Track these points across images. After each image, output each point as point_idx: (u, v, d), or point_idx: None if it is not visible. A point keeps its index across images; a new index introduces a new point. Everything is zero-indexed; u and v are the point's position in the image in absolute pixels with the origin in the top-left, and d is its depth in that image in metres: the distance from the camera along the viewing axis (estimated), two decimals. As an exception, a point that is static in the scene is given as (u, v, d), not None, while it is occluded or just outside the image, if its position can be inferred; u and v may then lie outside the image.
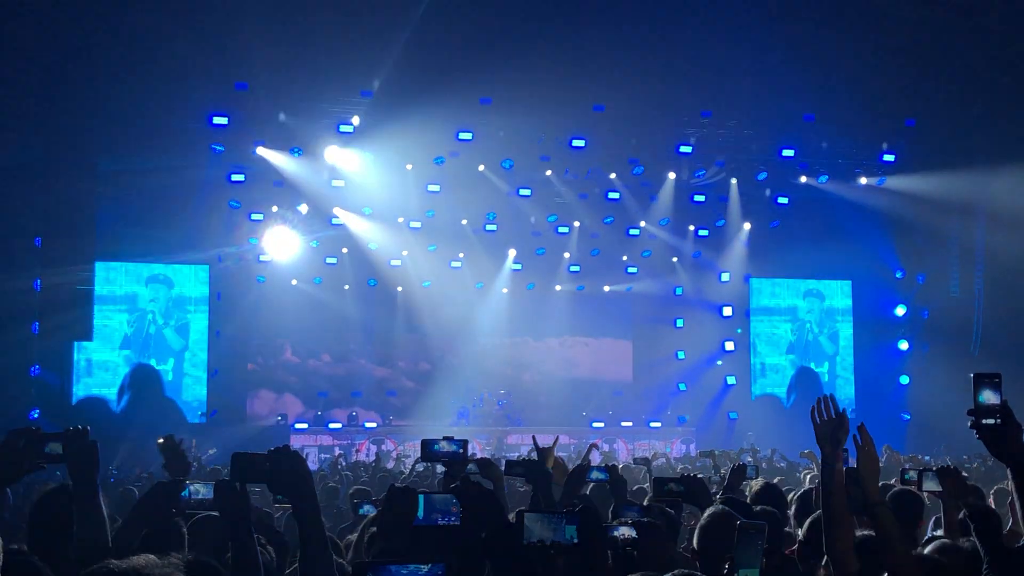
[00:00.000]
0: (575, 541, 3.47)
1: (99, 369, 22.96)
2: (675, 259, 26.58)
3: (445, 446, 5.30)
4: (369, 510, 7.80)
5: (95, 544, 3.68)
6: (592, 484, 6.94)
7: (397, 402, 25.62)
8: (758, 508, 5.62)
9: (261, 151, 22.08)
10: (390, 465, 18.74)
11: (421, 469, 12.95)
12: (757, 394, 26.92)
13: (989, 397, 3.46)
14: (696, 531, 4.67)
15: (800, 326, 27.45)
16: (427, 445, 5.35)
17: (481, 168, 23.11)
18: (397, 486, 3.93)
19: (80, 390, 22.66)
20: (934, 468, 5.98)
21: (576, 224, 25.42)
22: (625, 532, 4.25)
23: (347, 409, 24.76)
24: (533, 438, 6.96)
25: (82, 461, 3.89)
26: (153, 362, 23.45)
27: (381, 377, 26.06)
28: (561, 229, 25.59)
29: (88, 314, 22.41)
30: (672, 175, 24.30)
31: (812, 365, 27.43)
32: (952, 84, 20.67)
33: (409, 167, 23.05)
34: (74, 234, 20.80)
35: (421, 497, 3.91)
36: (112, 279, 23.29)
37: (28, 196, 19.94)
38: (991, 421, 3.42)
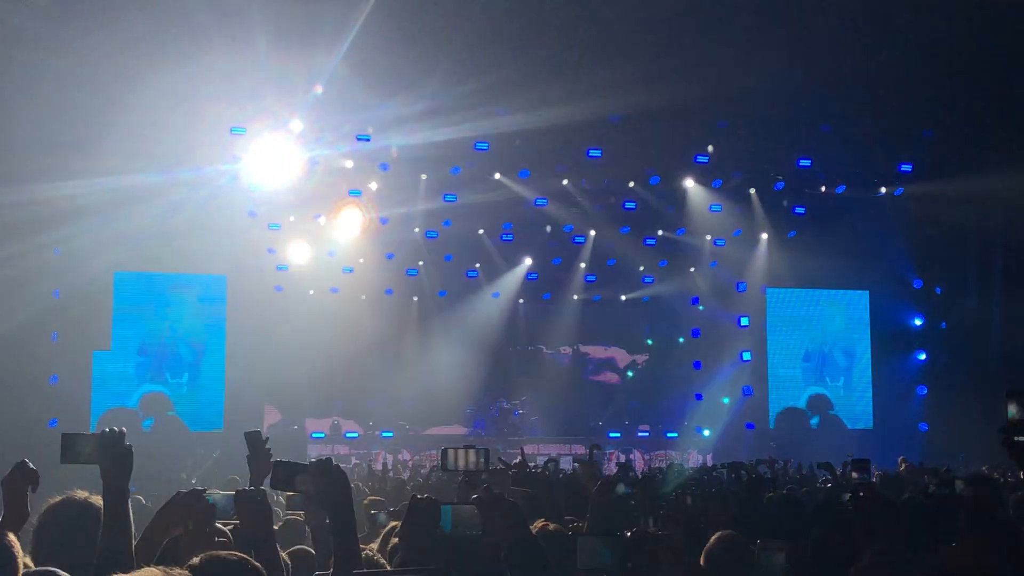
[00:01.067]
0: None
1: (114, 379, 23.04)
2: (692, 269, 26.53)
3: (467, 456, 5.26)
4: (383, 519, 7.82)
5: (118, 554, 3.66)
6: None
7: (413, 412, 25.59)
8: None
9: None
10: (406, 475, 18.75)
11: (435, 479, 12.98)
12: (776, 407, 26.76)
13: (1021, 413, 3.40)
14: (704, 555, 4.66)
15: (815, 337, 27.33)
16: (447, 454, 5.31)
17: (497, 177, 23.12)
18: (419, 496, 3.93)
19: (97, 400, 22.72)
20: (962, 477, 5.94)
21: (592, 234, 25.41)
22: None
23: (363, 418, 24.81)
24: (521, 450, 6.70)
25: (116, 465, 3.86)
26: (168, 375, 23.51)
27: (397, 387, 26.04)
28: (577, 239, 25.60)
29: (106, 323, 22.53)
30: (689, 184, 24.23)
31: (827, 379, 27.30)
32: (969, 94, 20.60)
33: (424, 177, 23.11)
34: (92, 243, 20.89)
35: (446, 508, 3.91)
36: (129, 289, 23.38)
37: (48, 202, 20.00)
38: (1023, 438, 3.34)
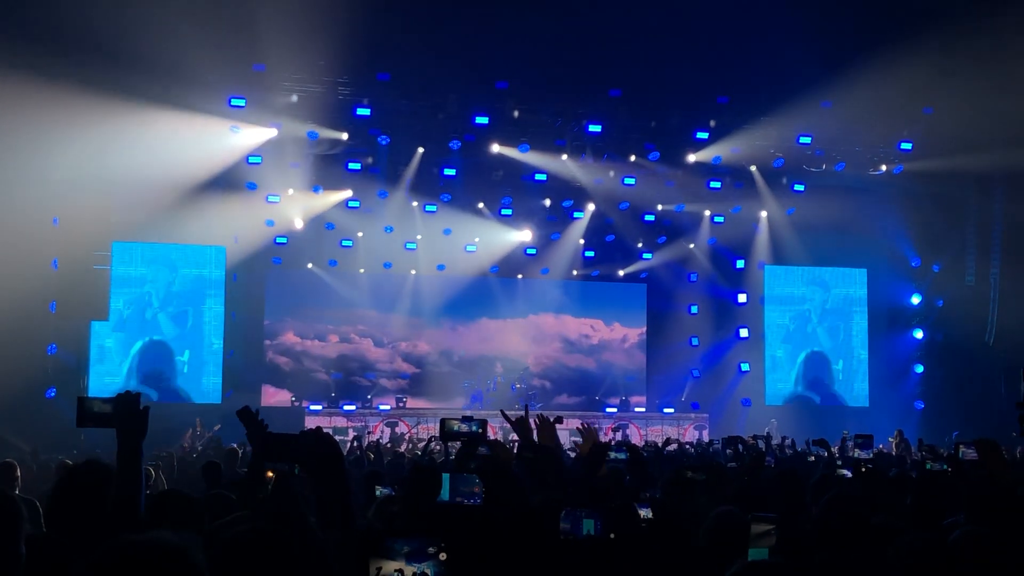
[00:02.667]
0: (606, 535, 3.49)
1: (112, 350, 23.07)
2: (691, 245, 26.53)
3: (464, 426, 5.31)
4: (386, 492, 7.87)
5: (129, 512, 3.70)
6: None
7: (411, 385, 25.65)
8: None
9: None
10: (403, 448, 18.84)
11: (436, 448, 13.02)
12: (772, 385, 26.80)
13: None
14: (703, 532, 4.68)
15: (799, 315, 27.32)
16: (446, 425, 5.35)
17: (496, 151, 23.06)
18: (420, 465, 3.94)
19: (95, 370, 22.74)
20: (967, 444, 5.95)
21: (591, 209, 25.37)
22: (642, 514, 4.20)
23: (361, 391, 24.88)
24: (501, 412, 6.42)
25: (132, 424, 3.91)
26: (165, 345, 23.53)
27: (395, 360, 26.08)
28: (576, 214, 25.57)
29: (104, 294, 22.55)
30: (690, 159, 24.16)
31: (824, 357, 27.34)
32: (970, 72, 20.53)
33: (421, 150, 23.11)
34: (92, 214, 20.87)
35: (445, 476, 3.93)
36: (128, 259, 23.36)
37: (46, 175, 19.97)
38: None
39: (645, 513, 4.31)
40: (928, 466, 6.14)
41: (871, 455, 8.22)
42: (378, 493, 7.92)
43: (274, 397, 24.44)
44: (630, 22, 19.79)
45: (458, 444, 5.45)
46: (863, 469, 6.75)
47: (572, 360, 27.09)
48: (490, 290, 26.21)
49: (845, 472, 7.59)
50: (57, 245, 20.95)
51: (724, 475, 6.31)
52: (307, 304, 25.28)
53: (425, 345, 26.33)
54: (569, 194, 24.97)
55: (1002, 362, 23.71)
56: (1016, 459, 12.87)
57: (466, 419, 5.42)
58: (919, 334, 27.01)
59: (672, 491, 5.61)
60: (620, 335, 27.66)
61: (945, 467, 6.72)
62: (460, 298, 25.98)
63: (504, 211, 24.91)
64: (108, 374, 22.79)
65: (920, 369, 26.80)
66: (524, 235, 25.47)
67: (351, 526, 3.41)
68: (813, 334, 27.29)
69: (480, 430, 5.36)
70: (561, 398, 26.11)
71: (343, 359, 25.68)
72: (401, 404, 24.50)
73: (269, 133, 22.02)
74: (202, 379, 23.58)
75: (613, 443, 6.58)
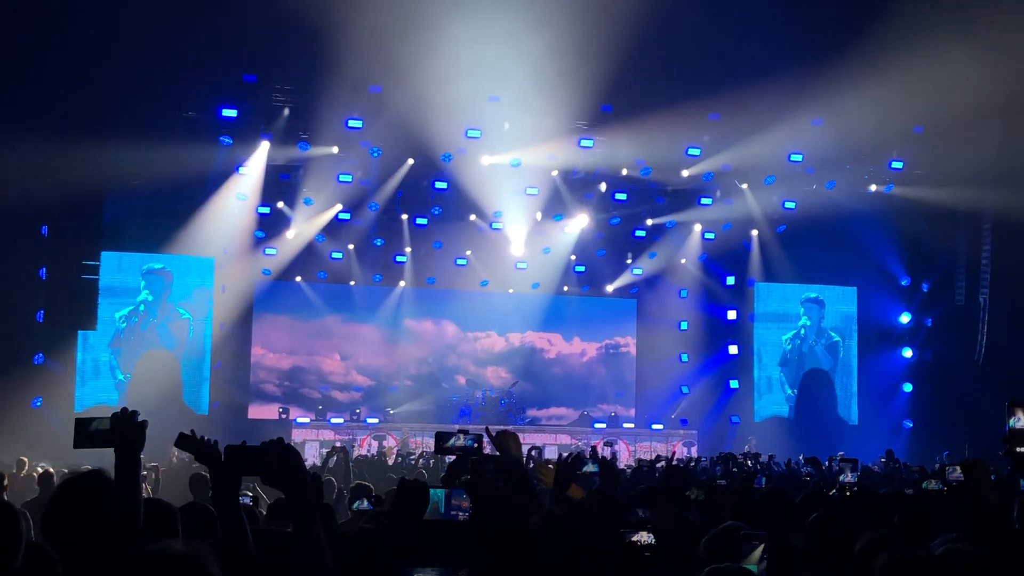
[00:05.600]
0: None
1: (99, 360, 22.93)
2: (683, 260, 26.52)
3: (460, 440, 5.25)
4: (365, 505, 7.80)
5: (130, 525, 3.66)
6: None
7: (399, 399, 25.52)
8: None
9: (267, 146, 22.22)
10: (391, 462, 18.76)
11: (422, 464, 12.97)
12: (760, 402, 26.82)
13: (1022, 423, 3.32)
14: (703, 544, 4.66)
15: (796, 335, 27.36)
16: (441, 438, 5.29)
17: (487, 164, 23.09)
18: (408, 479, 3.89)
19: (82, 380, 22.57)
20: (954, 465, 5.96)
21: (582, 223, 25.36)
22: (643, 537, 4.12)
23: (349, 405, 24.78)
24: (487, 429, 6.19)
25: (130, 438, 3.88)
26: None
27: (383, 373, 25.98)
28: (567, 229, 25.56)
29: (92, 303, 22.43)
30: (685, 174, 24.20)
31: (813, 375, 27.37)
32: (961, 91, 20.59)
33: (410, 162, 23.13)
34: (81, 224, 20.78)
35: (440, 492, 3.88)
36: (119, 270, 23.23)
37: (35, 185, 19.88)
38: None
39: (648, 538, 4.23)
40: (924, 485, 6.11)
41: (855, 480, 8.22)
42: (355, 506, 7.88)
43: (260, 408, 24.33)
44: (623, 37, 19.79)
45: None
46: (848, 493, 6.75)
47: (561, 375, 27.01)
48: (480, 304, 26.13)
49: (833, 492, 7.59)
50: (46, 254, 20.82)
51: (718, 493, 6.28)
52: (294, 316, 25.18)
53: (414, 359, 26.20)
54: (560, 208, 24.98)
55: (991, 381, 23.76)
56: (1003, 479, 12.85)
57: (462, 431, 5.36)
58: (908, 353, 27.04)
59: (670, 509, 5.58)
60: (610, 350, 27.57)
61: (942, 487, 6.70)
62: (451, 312, 25.95)
63: (495, 225, 24.85)
64: (103, 390, 22.66)
65: (909, 388, 26.82)
66: (516, 249, 25.38)
67: (317, 536, 3.35)
68: (810, 353, 27.31)
69: (476, 444, 5.30)
70: (549, 414, 26.04)
71: (331, 372, 25.56)
72: (389, 418, 24.39)
73: (260, 144, 22.05)
74: (190, 391, 23.44)
75: (576, 456, 6.40)
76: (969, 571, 4.00)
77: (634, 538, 3.91)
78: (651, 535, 4.12)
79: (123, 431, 3.89)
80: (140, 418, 3.93)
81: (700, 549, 4.55)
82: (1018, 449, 3.24)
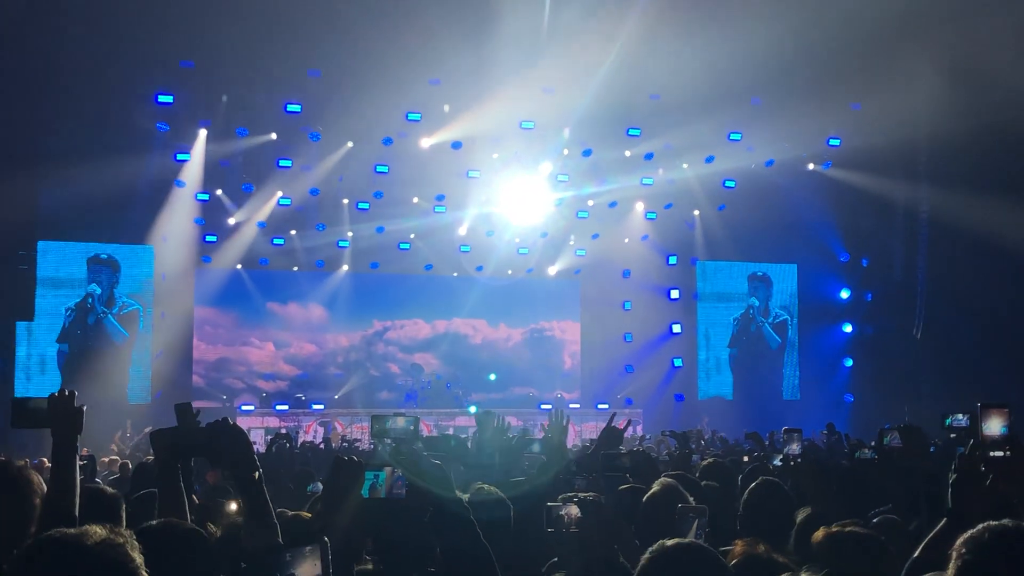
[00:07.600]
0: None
1: (37, 351, 22.56)
2: (626, 240, 26.59)
3: (397, 422, 5.23)
4: (317, 488, 7.80)
5: (64, 510, 3.62)
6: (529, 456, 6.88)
7: (344, 384, 25.40)
8: (704, 484, 5.68)
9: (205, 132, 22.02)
10: (335, 446, 18.69)
11: (369, 448, 12.92)
12: (704, 380, 27.09)
13: (995, 428, 3.31)
14: (643, 502, 4.69)
15: (744, 314, 27.62)
16: (378, 421, 5.27)
17: (428, 145, 23.03)
18: (342, 457, 3.86)
19: (20, 371, 22.21)
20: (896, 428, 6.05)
21: (527, 204, 25.34)
22: (573, 512, 4.00)
23: (293, 391, 24.63)
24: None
25: (68, 422, 3.83)
26: (92, 346, 23.03)
27: (328, 359, 25.84)
28: (512, 211, 25.51)
29: (30, 293, 22.06)
30: (627, 153, 24.31)
31: (756, 351, 27.66)
32: (897, 68, 20.82)
33: (350, 144, 23.01)
34: (15, 211, 20.40)
35: (381, 473, 3.86)
36: (62, 261, 22.86)
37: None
38: (999, 453, 3.23)
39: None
40: (856, 454, 6.19)
41: (799, 452, 8.28)
42: (309, 490, 7.86)
43: (203, 397, 24.07)
44: (568, 19, 19.81)
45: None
46: (792, 464, 6.82)
47: (507, 357, 27.04)
48: (425, 287, 26.05)
49: (776, 463, 7.66)
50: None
51: (656, 468, 6.32)
52: (237, 303, 24.94)
53: (359, 344, 26.09)
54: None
55: (930, 355, 24.14)
56: (939, 448, 13.07)
57: (399, 414, 5.35)
58: (848, 328, 27.40)
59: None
60: (554, 331, 27.64)
61: (873, 455, 6.80)
62: (396, 296, 25.86)
63: (438, 208, 24.76)
64: (52, 386, 22.27)
65: (850, 363, 27.19)
66: (459, 231, 25.32)
67: (268, 514, 3.34)
68: (758, 332, 27.57)
69: (414, 428, 5.29)
70: (495, 396, 26.04)
71: (277, 359, 25.39)
72: (334, 403, 24.28)
73: (199, 132, 21.85)
74: (132, 380, 23.15)
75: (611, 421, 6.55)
76: (903, 542, 4.06)
77: (562, 512, 3.85)
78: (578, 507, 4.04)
79: (59, 412, 3.84)
80: (78, 403, 3.87)
81: (639, 513, 4.58)
82: (992, 454, 3.21)
